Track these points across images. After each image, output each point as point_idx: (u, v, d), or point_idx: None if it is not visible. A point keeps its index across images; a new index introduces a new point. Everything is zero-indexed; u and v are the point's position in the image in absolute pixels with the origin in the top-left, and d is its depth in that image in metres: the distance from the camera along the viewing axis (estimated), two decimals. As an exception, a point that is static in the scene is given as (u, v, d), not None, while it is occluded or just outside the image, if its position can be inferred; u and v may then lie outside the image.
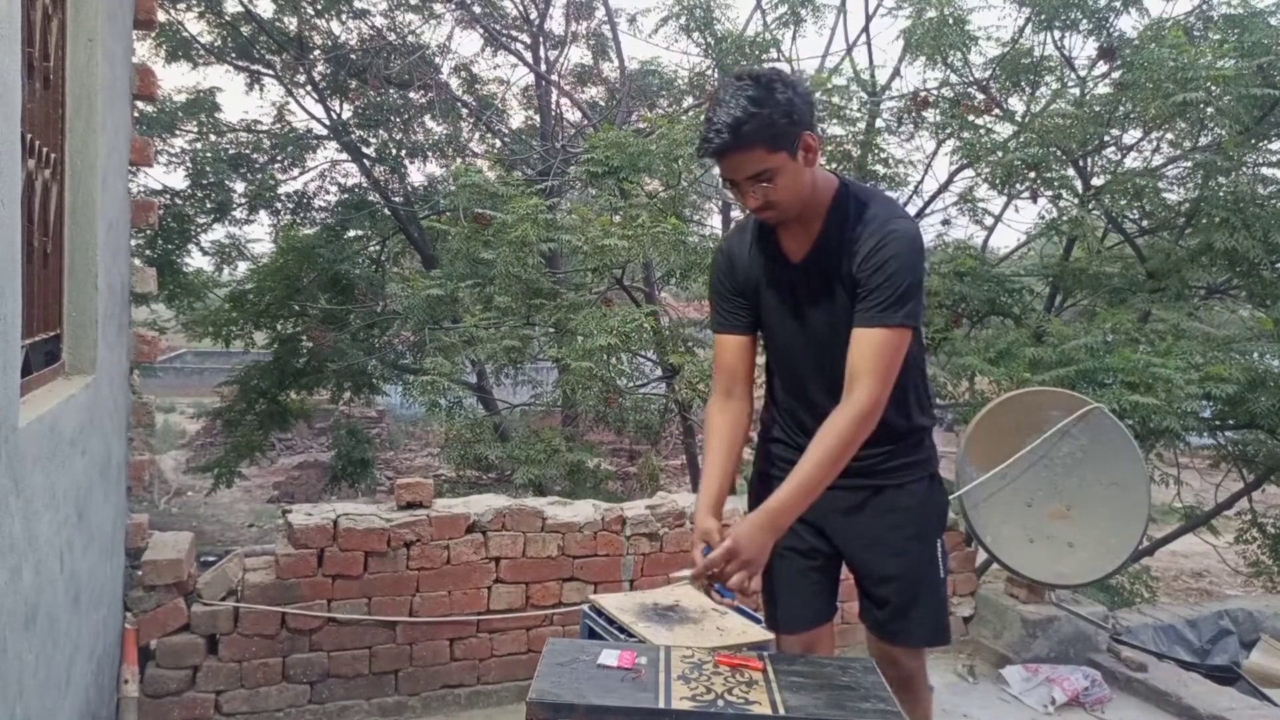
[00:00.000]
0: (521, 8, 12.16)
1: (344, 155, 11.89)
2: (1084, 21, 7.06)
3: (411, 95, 11.79)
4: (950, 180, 7.51)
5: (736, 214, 9.20)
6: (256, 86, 11.74)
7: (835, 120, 7.02)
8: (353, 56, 11.21)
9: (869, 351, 2.06)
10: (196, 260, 11.95)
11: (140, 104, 3.59)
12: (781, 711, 1.88)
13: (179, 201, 11.14)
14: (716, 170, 2.16)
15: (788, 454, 2.30)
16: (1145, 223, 7.24)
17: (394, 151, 11.79)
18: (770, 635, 2.84)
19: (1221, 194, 6.00)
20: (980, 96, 7.17)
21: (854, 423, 2.05)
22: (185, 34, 10.84)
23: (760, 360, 2.39)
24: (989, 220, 7.87)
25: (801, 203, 2.11)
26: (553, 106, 12.31)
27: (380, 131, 11.68)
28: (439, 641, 3.65)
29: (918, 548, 2.29)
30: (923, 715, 2.41)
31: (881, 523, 2.27)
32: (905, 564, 2.27)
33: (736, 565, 2.01)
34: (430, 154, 12.20)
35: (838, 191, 2.17)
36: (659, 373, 7.69)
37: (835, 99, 7.05)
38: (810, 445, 2.07)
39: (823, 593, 2.37)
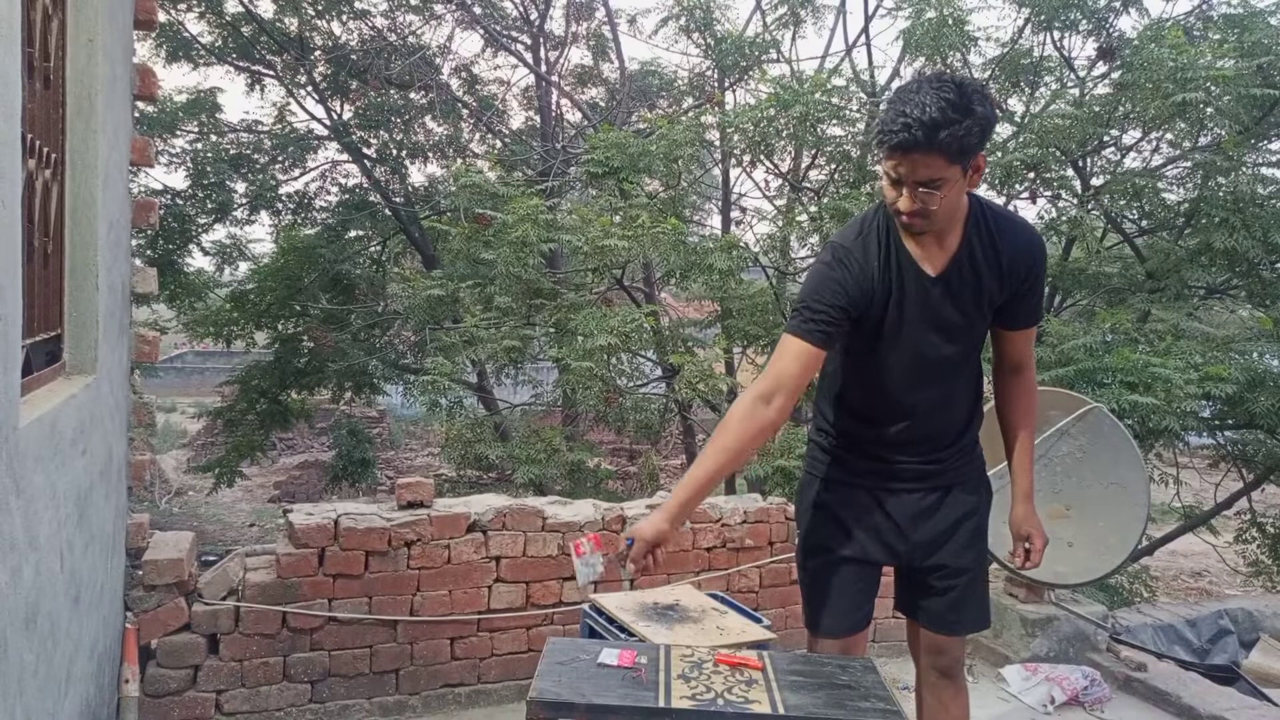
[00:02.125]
0: (522, 8, 12.17)
1: (345, 156, 11.89)
2: (1083, 22, 7.07)
3: (412, 96, 11.79)
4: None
5: (736, 214, 9.22)
6: (257, 87, 11.73)
7: (835, 121, 7.03)
8: (353, 57, 11.21)
9: (1032, 343, 2.41)
10: (197, 260, 11.96)
11: (141, 104, 3.59)
12: (781, 710, 1.88)
13: (180, 201, 11.14)
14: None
15: (859, 462, 2.35)
16: (1144, 223, 7.25)
17: (395, 152, 11.80)
18: (770, 635, 2.85)
19: (1221, 194, 6.01)
20: (980, 97, 7.16)
21: (1034, 388, 2.44)
22: (186, 34, 10.84)
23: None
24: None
25: (951, 219, 2.12)
26: (553, 107, 12.31)
27: (381, 132, 11.68)
28: (440, 641, 3.65)
29: (980, 542, 2.39)
30: (964, 703, 2.46)
31: (954, 520, 2.33)
32: (973, 557, 2.36)
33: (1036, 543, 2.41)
34: (431, 154, 12.21)
35: (971, 206, 2.17)
36: (659, 373, 7.70)
37: (835, 99, 7.05)
38: (1019, 411, 2.41)
39: (869, 600, 2.41)
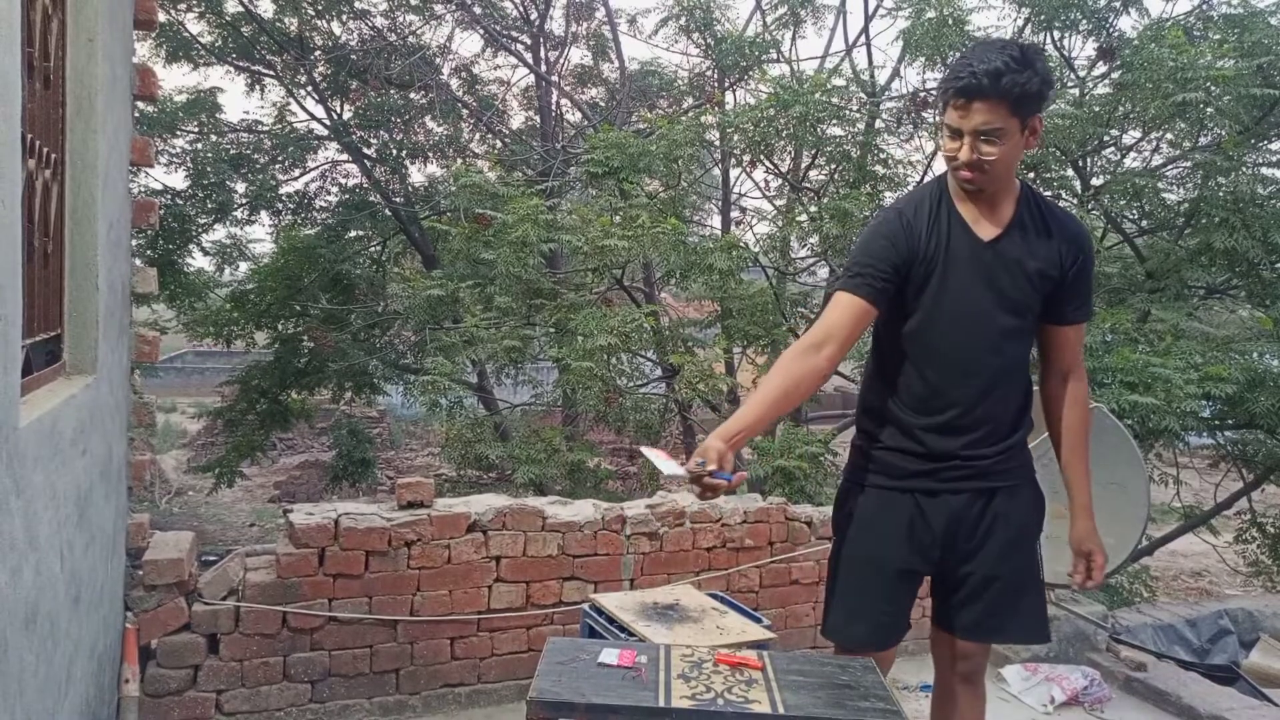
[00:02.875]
0: (522, 9, 12.17)
1: (345, 156, 11.89)
2: (1083, 22, 7.07)
3: (412, 96, 11.79)
4: (950, 180, 7.51)
5: (736, 214, 9.22)
6: (257, 87, 11.73)
7: (835, 121, 7.03)
8: (353, 57, 11.21)
9: (1080, 341, 2.38)
10: (197, 260, 11.95)
11: (141, 104, 3.59)
12: (781, 710, 1.88)
13: (180, 202, 11.14)
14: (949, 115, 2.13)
15: (904, 462, 2.29)
16: (1144, 223, 7.25)
17: (395, 152, 11.79)
18: (770, 635, 2.85)
19: (1221, 194, 6.00)
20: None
21: (1088, 398, 2.37)
22: (186, 34, 10.83)
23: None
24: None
25: (1005, 178, 2.18)
26: (553, 107, 12.31)
27: (381, 132, 11.68)
28: (440, 640, 3.65)
29: (1025, 549, 2.34)
30: (982, 710, 2.46)
31: (990, 528, 2.28)
32: (1011, 565, 2.31)
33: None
34: (431, 154, 12.21)
35: (1024, 188, 2.26)
36: (659, 373, 7.69)
37: (835, 99, 7.05)
38: (1073, 421, 2.35)
39: (906, 614, 2.39)
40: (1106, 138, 6.81)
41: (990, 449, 2.26)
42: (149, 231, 9.63)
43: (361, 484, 12.16)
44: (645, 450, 2.30)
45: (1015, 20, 7.32)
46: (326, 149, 12.22)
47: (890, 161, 7.19)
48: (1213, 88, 5.66)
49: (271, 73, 11.48)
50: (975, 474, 2.27)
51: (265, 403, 11.05)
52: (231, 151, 11.58)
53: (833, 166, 7.36)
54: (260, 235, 13.50)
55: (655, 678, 1.98)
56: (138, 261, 4.27)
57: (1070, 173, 6.85)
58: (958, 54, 2.28)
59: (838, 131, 7.11)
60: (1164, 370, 4.91)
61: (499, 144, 12.57)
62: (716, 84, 9.69)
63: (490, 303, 7.09)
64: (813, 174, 7.95)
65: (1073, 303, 2.26)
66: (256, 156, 11.80)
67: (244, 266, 12.00)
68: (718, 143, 7.73)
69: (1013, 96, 2.03)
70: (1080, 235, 2.25)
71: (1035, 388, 2.40)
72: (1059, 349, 2.34)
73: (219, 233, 11.80)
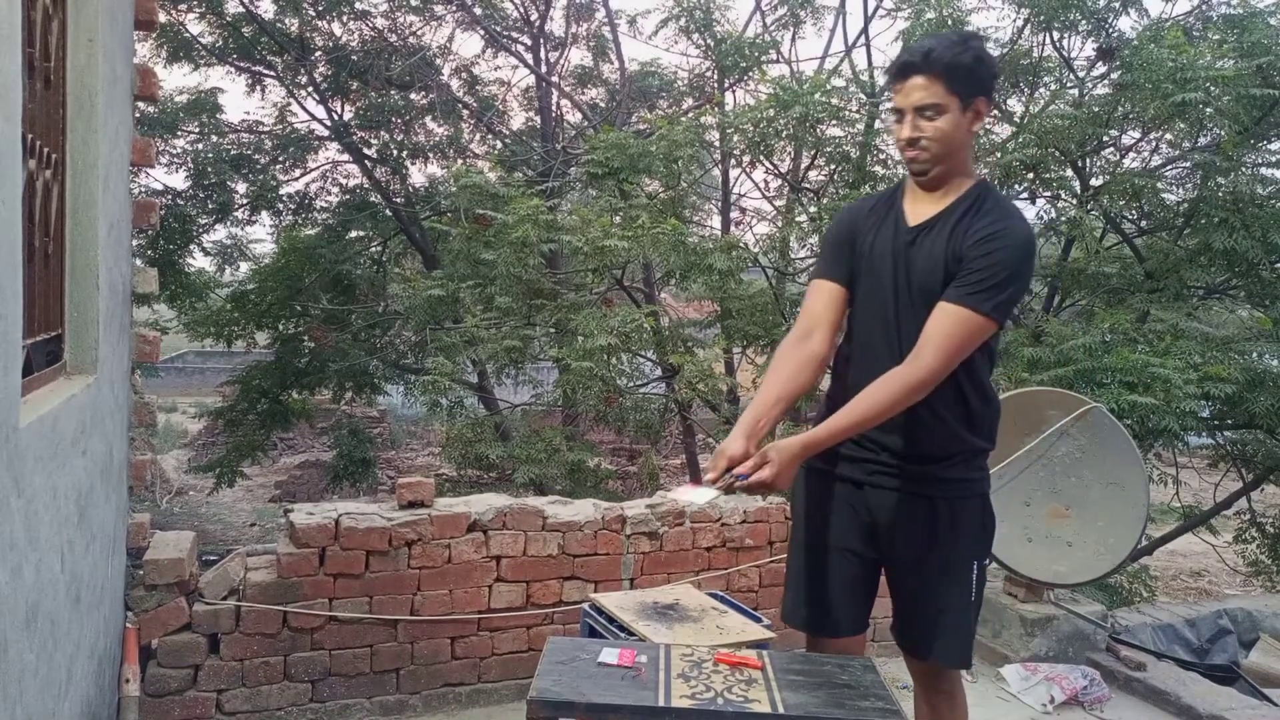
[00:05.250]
0: (522, 9, 12.17)
1: (345, 156, 11.90)
2: (1083, 22, 7.07)
3: (413, 96, 11.80)
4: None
5: (736, 214, 9.23)
6: (258, 87, 11.73)
7: (834, 121, 7.03)
8: (354, 58, 11.21)
9: (946, 326, 2.07)
10: (198, 260, 11.97)
11: (141, 104, 3.60)
12: (781, 710, 1.89)
13: (180, 202, 11.15)
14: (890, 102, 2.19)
15: (849, 449, 2.28)
16: (1144, 223, 7.25)
17: (395, 152, 11.80)
18: (770, 635, 2.85)
19: (1220, 194, 6.01)
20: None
21: (907, 386, 2.06)
22: (186, 35, 10.84)
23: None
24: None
25: (950, 160, 2.17)
26: (553, 108, 12.31)
27: (381, 132, 11.69)
28: (440, 640, 3.66)
29: (954, 567, 2.26)
30: (961, 714, 2.39)
31: (924, 536, 2.23)
32: (937, 580, 2.25)
33: (765, 474, 2.01)
34: (431, 155, 12.21)
35: (978, 184, 2.24)
36: (659, 373, 7.70)
37: (835, 100, 7.05)
38: (860, 393, 2.11)
39: (860, 603, 2.36)
40: (1106, 138, 6.81)
41: (918, 451, 2.20)
42: (149, 231, 9.64)
43: (362, 484, 12.15)
44: (675, 494, 2.32)
45: (1015, 20, 7.33)
46: (327, 149, 12.24)
47: (890, 162, 7.19)
48: (1212, 88, 5.66)
49: (272, 73, 11.49)
50: (903, 475, 2.23)
51: (266, 403, 11.05)
52: (232, 152, 11.59)
53: (832, 167, 7.36)
54: (261, 235, 13.52)
55: (655, 677, 1.98)
56: (138, 261, 4.27)
57: (1070, 173, 6.85)
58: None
59: (837, 132, 7.11)
60: (1163, 370, 4.91)
61: (499, 144, 12.57)
62: (716, 84, 9.69)
63: (490, 303, 7.09)
64: (812, 174, 7.96)
65: (959, 281, 2.10)
66: (257, 157, 11.81)
67: (244, 267, 12.01)
68: (717, 143, 7.73)
69: (945, 68, 2.08)
70: (997, 223, 2.12)
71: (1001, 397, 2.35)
72: (930, 319, 2.10)
73: (220, 233, 11.84)
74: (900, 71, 2.15)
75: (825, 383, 2.51)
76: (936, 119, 2.12)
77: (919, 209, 2.24)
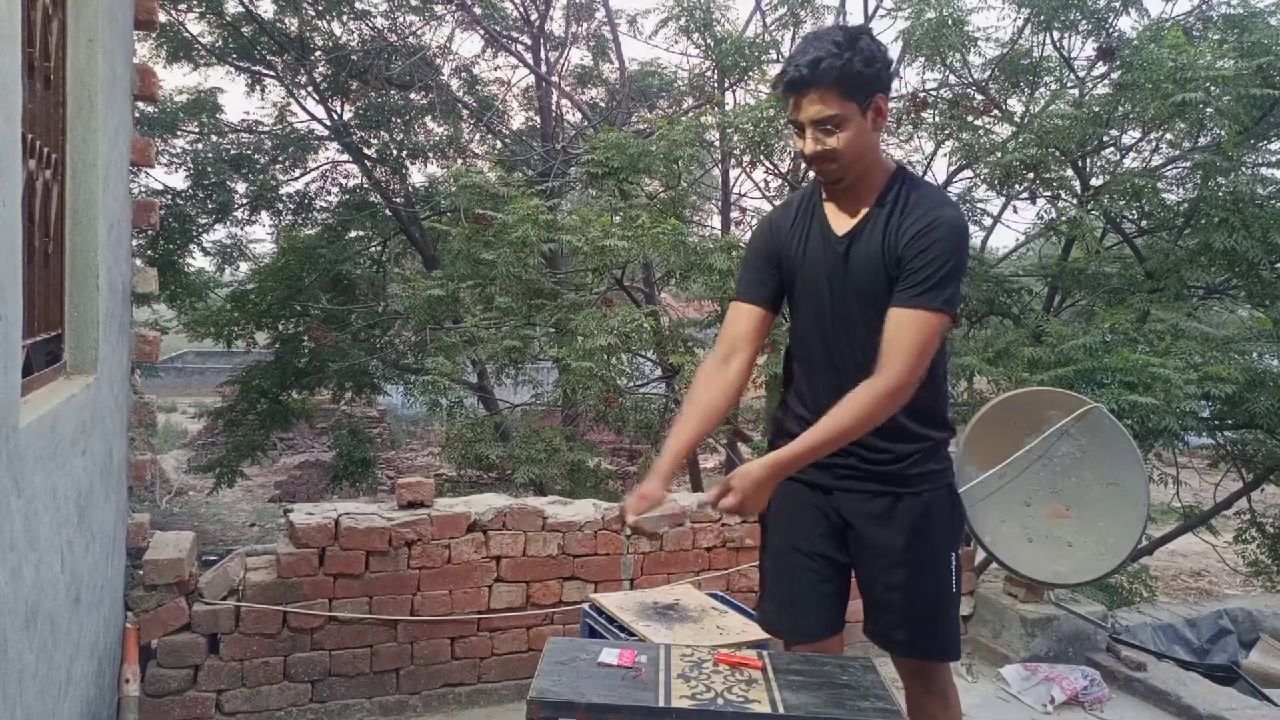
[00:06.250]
0: (522, 9, 12.17)
1: (345, 156, 11.89)
2: (1083, 22, 7.06)
3: (412, 96, 11.79)
4: (949, 181, 7.51)
5: (736, 214, 9.23)
6: (258, 87, 11.73)
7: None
8: (354, 58, 11.21)
9: (906, 332, 2.04)
10: (198, 260, 11.96)
11: (141, 104, 3.60)
12: (781, 710, 1.88)
13: (180, 202, 11.15)
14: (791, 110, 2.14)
15: None
16: (1144, 223, 7.24)
17: (395, 152, 11.79)
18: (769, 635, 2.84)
19: (1220, 194, 6.00)
20: (979, 97, 7.17)
21: (880, 397, 2.03)
22: (186, 35, 10.84)
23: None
24: (987, 221, 7.89)
25: (861, 164, 2.13)
26: (553, 108, 12.31)
27: (381, 132, 11.68)
28: (440, 640, 3.66)
29: (931, 560, 2.25)
30: (954, 714, 2.37)
31: (900, 533, 2.22)
32: (917, 576, 2.23)
33: (729, 502, 2.02)
34: (431, 155, 12.20)
35: (893, 175, 2.19)
36: (659, 373, 7.69)
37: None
38: (833, 409, 2.05)
39: (834, 605, 2.33)
40: (1106, 138, 6.81)
41: (891, 453, 2.19)
42: (149, 231, 9.63)
43: (362, 484, 12.15)
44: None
45: (1015, 20, 7.32)
46: (327, 149, 12.24)
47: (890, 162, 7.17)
48: (1212, 88, 5.65)
49: (272, 73, 11.48)
50: (867, 475, 2.22)
51: (265, 403, 11.04)
52: (232, 152, 11.59)
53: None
54: (261, 235, 13.52)
55: (655, 677, 1.98)
56: (138, 261, 4.27)
57: (1070, 173, 6.84)
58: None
59: (837, 132, 7.09)
60: (1163, 370, 4.91)
61: (499, 144, 12.57)
62: (716, 84, 9.69)
63: (490, 303, 7.08)
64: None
65: (904, 283, 2.06)
66: (257, 157, 11.80)
67: (244, 267, 12.00)
68: (717, 143, 7.72)
69: (835, 80, 2.02)
70: (927, 216, 2.08)
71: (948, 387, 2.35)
72: (886, 329, 2.07)
73: (219, 233, 11.83)
74: (790, 88, 2.07)
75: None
76: (838, 131, 2.07)
77: (842, 214, 2.20)
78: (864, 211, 2.17)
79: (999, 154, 6.29)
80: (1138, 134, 6.99)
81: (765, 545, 2.41)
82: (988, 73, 7.25)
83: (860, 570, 2.32)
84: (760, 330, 2.28)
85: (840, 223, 2.20)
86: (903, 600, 2.25)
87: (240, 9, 10.58)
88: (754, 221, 9.47)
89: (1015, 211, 10.40)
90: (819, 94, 2.03)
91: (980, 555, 4.65)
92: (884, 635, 2.32)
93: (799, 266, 2.23)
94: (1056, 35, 7.20)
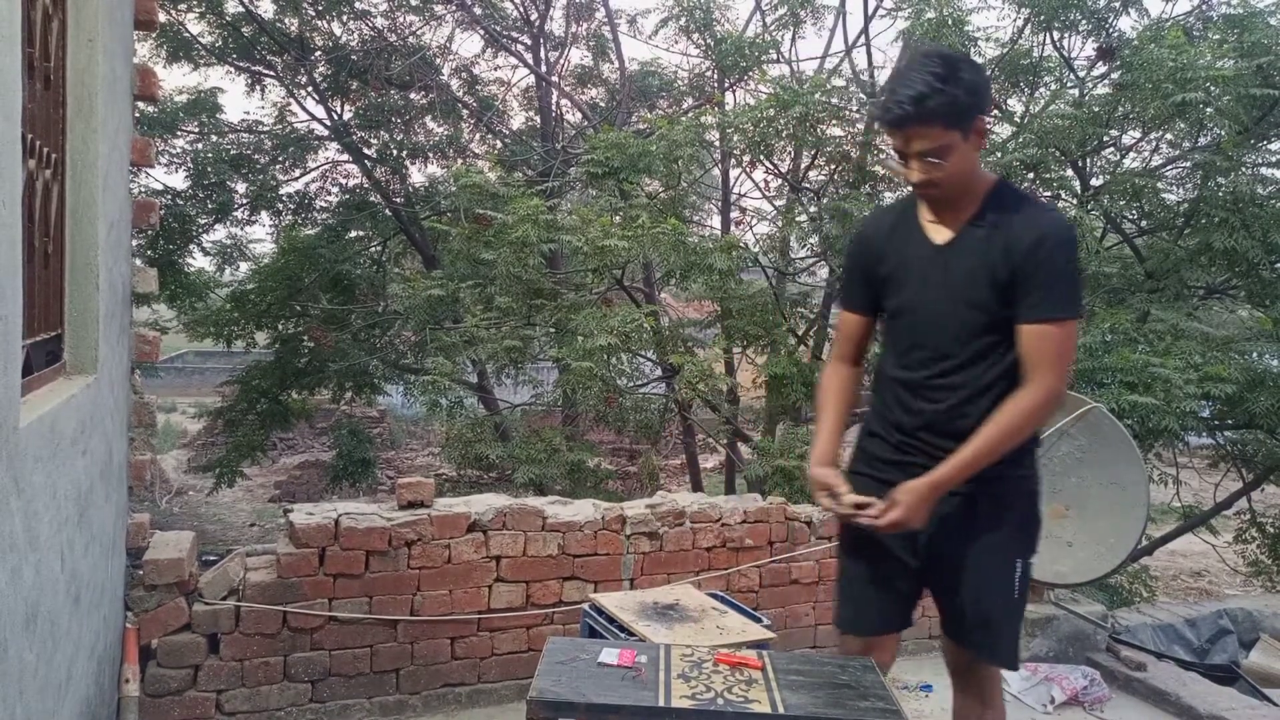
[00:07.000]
0: (522, 9, 12.16)
1: (345, 156, 11.88)
2: (1083, 22, 7.07)
3: (412, 96, 11.78)
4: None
5: (736, 214, 9.23)
6: (258, 87, 11.72)
7: (835, 121, 7.02)
8: (354, 58, 11.20)
9: (1048, 344, 2.12)
10: (198, 260, 11.95)
11: (141, 104, 3.60)
12: (781, 710, 1.89)
13: (180, 202, 11.14)
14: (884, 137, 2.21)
15: (883, 451, 2.33)
16: (1144, 223, 7.25)
17: (395, 152, 11.79)
18: (770, 635, 2.85)
19: (1221, 194, 6.01)
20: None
21: (1034, 407, 2.12)
22: (186, 35, 10.83)
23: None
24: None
25: (963, 185, 2.18)
26: (553, 108, 12.30)
27: (381, 132, 11.68)
28: (440, 640, 3.66)
29: (997, 564, 2.25)
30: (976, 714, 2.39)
31: (972, 535, 2.24)
32: (982, 575, 2.24)
33: (895, 515, 2.13)
34: (431, 155, 12.19)
35: (995, 185, 2.24)
36: (659, 373, 7.69)
37: (835, 100, 7.05)
38: (988, 422, 2.13)
39: (897, 602, 2.37)
40: (1106, 138, 6.81)
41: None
42: (149, 231, 9.64)
43: (362, 484, 12.15)
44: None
45: (1015, 20, 7.32)
46: (327, 149, 12.22)
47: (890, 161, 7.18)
48: (1212, 88, 5.65)
49: (272, 73, 11.48)
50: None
51: (265, 403, 11.04)
52: (232, 152, 11.58)
53: (832, 167, 7.35)
54: (260, 235, 13.48)
55: (655, 677, 1.98)
56: (138, 261, 4.27)
57: (1070, 173, 6.84)
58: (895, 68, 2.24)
59: (837, 132, 7.10)
60: (1164, 370, 4.91)
61: (499, 144, 12.56)
62: (716, 84, 9.69)
63: (490, 303, 7.08)
64: (812, 174, 7.95)
65: (1024, 300, 2.13)
66: (257, 157, 11.79)
67: (244, 267, 12.00)
68: (717, 143, 7.72)
69: (942, 114, 2.05)
70: (1036, 228, 2.13)
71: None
72: (1025, 343, 2.16)
73: (219, 233, 11.82)
74: (894, 124, 2.12)
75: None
76: (944, 159, 2.11)
77: (942, 223, 2.25)
78: (964, 221, 2.21)
79: (999, 154, 6.29)
80: (1138, 134, 6.99)
81: (841, 545, 2.47)
82: (987, 72, 7.25)
83: (930, 572, 2.33)
84: (866, 333, 2.46)
85: (940, 231, 2.25)
86: (963, 601, 2.27)
87: (240, 9, 10.57)
88: (754, 221, 9.49)
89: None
90: (925, 128, 2.08)
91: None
92: (945, 628, 2.37)
93: (899, 275, 2.30)
94: (1056, 35, 7.21)
